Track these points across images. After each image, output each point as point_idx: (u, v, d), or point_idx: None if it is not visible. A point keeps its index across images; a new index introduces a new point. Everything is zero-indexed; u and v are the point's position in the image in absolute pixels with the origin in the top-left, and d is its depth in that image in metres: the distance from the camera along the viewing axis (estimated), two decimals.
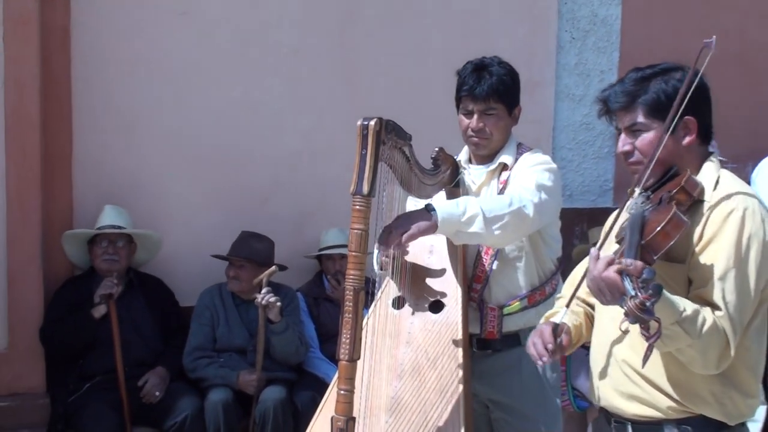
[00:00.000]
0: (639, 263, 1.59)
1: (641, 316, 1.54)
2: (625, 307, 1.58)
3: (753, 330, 1.83)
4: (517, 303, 2.62)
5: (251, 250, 3.86)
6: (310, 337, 3.96)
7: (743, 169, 4.43)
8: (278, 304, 3.61)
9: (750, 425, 3.81)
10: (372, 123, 2.08)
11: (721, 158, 4.03)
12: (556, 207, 2.59)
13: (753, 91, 5.05)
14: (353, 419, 2.06)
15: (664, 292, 1.65)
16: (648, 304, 1.52)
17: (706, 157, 1.94)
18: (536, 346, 1.92)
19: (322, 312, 4.02)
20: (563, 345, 1.94)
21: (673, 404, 1.85)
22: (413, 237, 2.20)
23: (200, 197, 4.17)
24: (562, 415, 2.85)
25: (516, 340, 2.64)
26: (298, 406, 3.65)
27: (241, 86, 4.17)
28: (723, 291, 1.75)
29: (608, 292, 1.65)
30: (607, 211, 4.46)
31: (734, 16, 5.10)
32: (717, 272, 1.76)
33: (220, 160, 4.17)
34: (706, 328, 1.71)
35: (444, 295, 2.52)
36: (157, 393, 3.66)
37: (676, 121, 1.83)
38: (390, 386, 2.42)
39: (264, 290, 3.58)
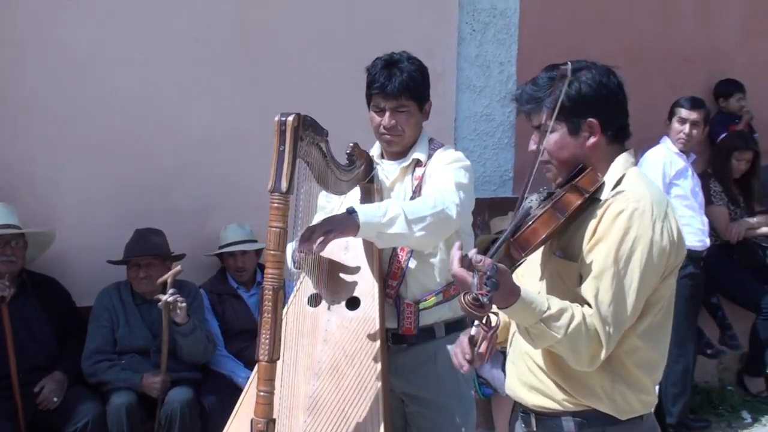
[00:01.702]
0: (487, 260, 1.62)
1: (472, 311, 1.59)
2: (460, 303, 1.62)
3: (643, 329, 1.85)
4: (433, 298, 2.63)
5: (154, 246, 3.73)
6: (215, 335, 3.86)
7: (635, 158, 4.62)
8: (183, 305, 3.49)
9: None
10: (290, 119, 2.03)
11: None
12: (472, 204, 2.61)
13: (641, 82, 5.24)
14: (273, 421, 2.02)
15: (525, 292, 1.70)
16: (484, 299, 1.56)
17: (617, 154, 1.95)
18: (457, 356, 1.92)
19: (227, 308, 3.92)
20: (480, 353, 1.94)
21: (567, 397, 1.90)
22: (335, 237, 2.17)
23: (95, 191, 3.98)
24: None
25: (431, 333, 2.66)
26: (205, 406, 3.56)
27: (138, 75, 4.00)
28: (597, 289, 1.78)
29: (460, 287, 1.68)
30: (507, 201, 4.63)
31: (625, 10, 5.29)
32: (595, 270, 1.79)
33: (117, 151, 3.99)
34: (573, 326, 1.74)
35: (361, 291, 2.50)
36: (55, 399, 3.49)
37: (576, 122, 1.88)
38: (308, 385, 2.38)
39: (170, 291, 3.45)
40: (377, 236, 2.28)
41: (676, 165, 4.43)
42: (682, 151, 4.47)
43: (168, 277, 3.46)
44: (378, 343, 2.43)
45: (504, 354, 4.31)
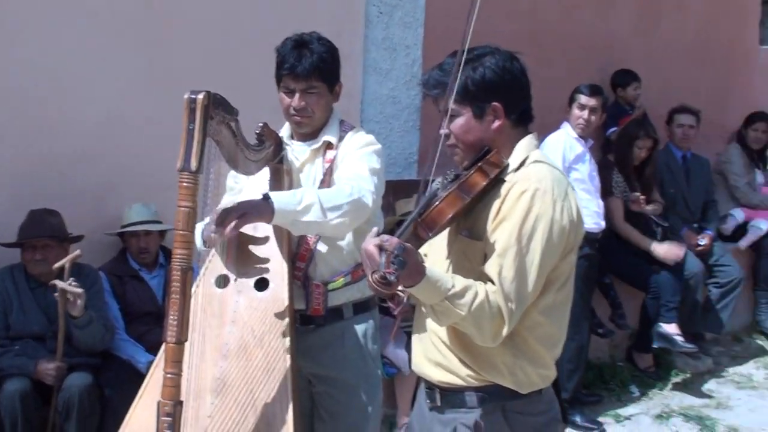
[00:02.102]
0: (395, 240, 1.65)
1: (380, 289, 1.61)
2: (368, 281, 1.65)
3: (544, 306, 1.92)
4: (342, 279, 2.64)
5: (50, 227, 3.58)
6: (115, 318, 3.75)
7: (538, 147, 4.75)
8: (80, 301, 3.35)
9: None
10: (200, 97, 2.00)
11: None
12: (383, 188, 2.63)
13: (542, 68, 5.38)
14: (181, 403, 2.00)
15: (430, 271, 1.73)
16: (391, 278, 1.59)
17: (521, 137, 2.00)
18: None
19: (128, 290, 3.82)
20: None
21: (471, 373, 1.95)
22: (249, 222, 2.16)
23: None
24: None
25: (339, 314, 2.68)
26: (105, 391, 3.45)
27: (37, 50, 3.81)
28: (501, 267, 1.83)
29: (368, 264, 1.70)
30: (412, 184, 4.67)
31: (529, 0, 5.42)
32: (498, 248, 1.84)
33: (10, 129, 3.80)
34: (476, 303, 1.78)
35: (269, 272, 2.48)
36: None
37: (480, 106, 1.92)
38: (216, 367, 2.36)
39: (69, 280, 3.32)
40: (292, 223, 2.28)
41: (575, 150, 4.58)
42: (580, 136, 4.62)
43: (65, 262, 3.33)
44: (287, 323, 2.43)
45: (407, 334, 4.40)
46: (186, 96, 2.00)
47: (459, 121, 1.95)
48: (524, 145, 1.99)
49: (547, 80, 5.27)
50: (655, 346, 4.97)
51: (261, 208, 2.20)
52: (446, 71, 1.96)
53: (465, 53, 1.97)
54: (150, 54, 4.06)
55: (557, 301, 1.96)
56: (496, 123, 1.96)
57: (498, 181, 1.91)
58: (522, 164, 1.94)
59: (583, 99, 4.59)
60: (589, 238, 4.55)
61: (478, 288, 1.81)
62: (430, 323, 2.01)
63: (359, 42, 4.77)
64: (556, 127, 4.72)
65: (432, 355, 2.02)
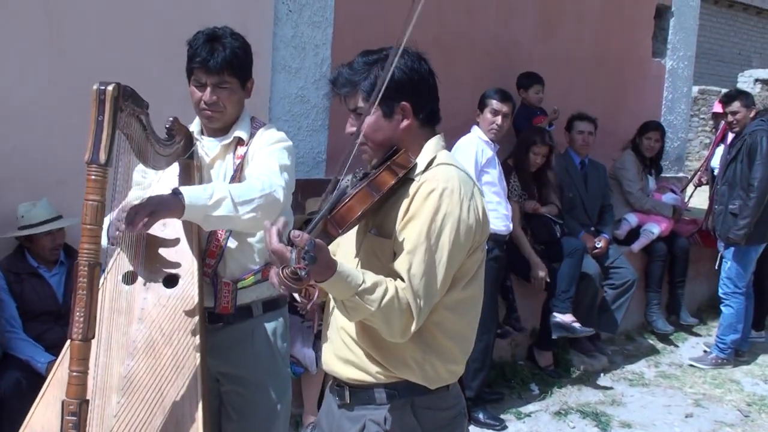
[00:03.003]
0: (305, 235, 1.66)
1: (290, 284, 1.62)
2: (278, 278, 1.65)
3: (451, 302, 1.96)
4: (252, 277, 2.63)
5: None
6: (11, 317, 3.58)
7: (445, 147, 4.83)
8: None
9: None
10: (110, 88, 1.95)
11: None
12: (294, 185, 2.63)
13: (448, 72, 5.49)
14: (86, 402, 1.94)
15: (341, 266, 1.75)
16: (301, 273, 1.61)
17: (429, 137, 2.04)
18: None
19: (26, 289, 3.65)
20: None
21: (380, 369, 1.97)
22: (160, 219, 2.11)
23: None
24: None
25: (248, 312, 2.66)
26: (1, 393, 3.31)
27: None
28: (410, 264, 1.86)
29: (278, 262, 1.69)
30: (320, 183, 4.68)
31: (436, 7, 5.50)
32: (408, 246, 1.88)
33: None
34: (386, 299, 1.81)
35: (179, 269, 2.44)
36: None
37: (389, 105, 1.95)
38: (122, 365, 2.30)
39: None
40: (203, 219, 2.24)
41: (486, 154, 4.65)
42: (492, 140, 4.72)
43: None
44: (197, 321, 2.39)
45: (315, 334, 4.39)
46: (95, 87, 1.94)
47: (369, 120, 1.97)
48: (432, 146, 2.03)
49: (452, 85, 5.40)
50: (554, 337, 5.10)
51: (171, 204, 2.15)
52: (356, 70, 1.99)
53: (380, 52, 2.01)
54: (45, 43, 3.90)
55: (464, 297, 2.00)
56: (405, 122, 1.99)
57: (406, 180, 1.94)
58: (430, 164, 1.98)
59: (495, 104, 4.67)
60: (499, 240, 4.67)
61: (388, 284, 1.83)
62: (340, 321, 2.03)
63: (268, 40, 4.73)
64: (461, 130, 4.81)
65: (342, 353, 2.04)
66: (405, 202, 1.92)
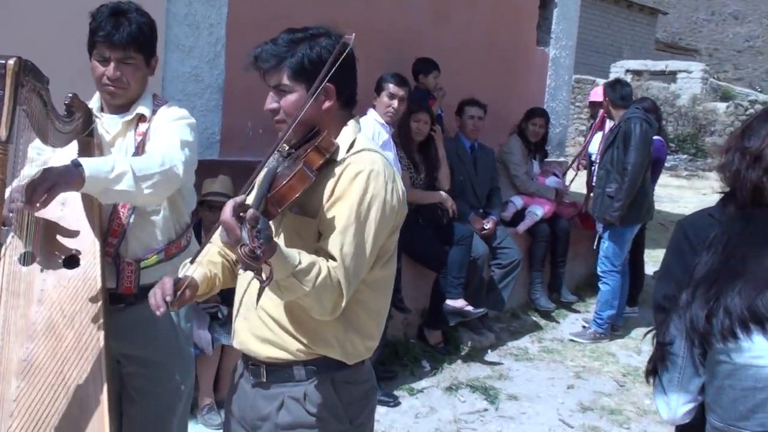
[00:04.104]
0: (255, 213, 1.66)
1: (250, 263, 1.63)
2: (236, 254, 1.67)
3: (374, 280, 2.03)
4: (155, 256, 2.60)
5: None
6: None
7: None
8: None
9: None
10: (10, 62, 1.90)
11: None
12: (196, 162, 2.61)
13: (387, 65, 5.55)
14: None
15: (280, 246, 1.76)
16: (258, 252, 1.61)
17: (347, 120, 2.09)
18: (155, 296, 1.95)
19: None
20: (184, 298, 1.98)
21: (301, 347, 2.01)
22: (60, 192, 2.05)
23: None
24: None
25: None
26: None
27: None
28: (342, 244, 1.90)
29: (228, 236, 1.71)
30: (214, 164, 4.65)
31: None
32: (339, 226, 1.92)
33: None
34: (320, 278, 1.84)
35: (80, 249, 2.39)
36: None
37: (318, 89, 1.94)
38: (21, 349, 2.24)
39: None
40: (103, 192, 2.19)
41: (382, 136, 4.69)
42: (387, 123, 4.79)
43: None
44: (99, 303, 2.35)
45: (210, 315, 4.35)
46: None
47: (291, 98, 1.99)
48: (351, 128, 2.07)
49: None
50: (452, 324, 5.28)
51: (70, 176, 2.08)
52: (280, 45, 1.99)
53: (305, 31, 2.02)
54: None
55: (383, 276, 2.07)
56: (327, 104, 2.02)
57: (329, 161, 1.97)
58: (351, 145, 2.02)
59: (392, 88, 4.74)
60: None
61: (321, 264, 1.86)
62: (258, 299, 2.04)
63: (161, 17, 4.61)
64: (357, 112, 4.85)
65: (259, 332, 2.05)
66: (330, 183, 1.95)
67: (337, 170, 1.97)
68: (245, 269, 1.70)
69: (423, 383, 4.92)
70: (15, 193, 2.26)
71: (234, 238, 1.68)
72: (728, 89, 23.79)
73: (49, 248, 2.35)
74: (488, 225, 5.76)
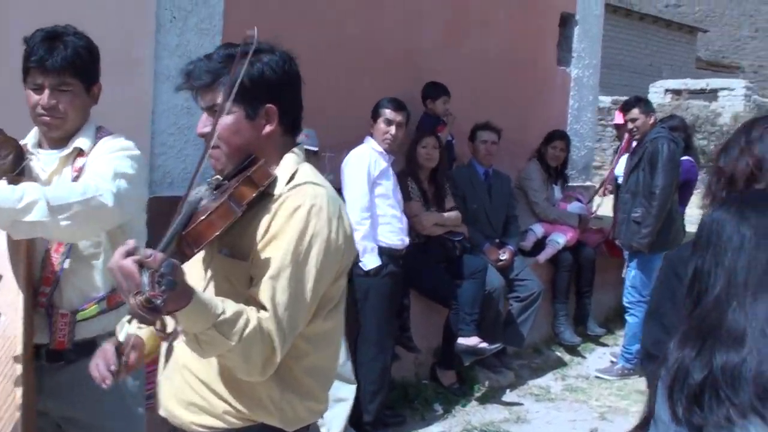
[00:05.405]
0: (159, 255, 1.43)
1: (144, 315, 1.39)
2: (129, 307, 1.42)
3: (312, 334, 1.77)
4: (95, 306, 2.35)
5: None
6: None
7: (339, 157, 4.64)
8: None
9: (339, 406, 4.02)
10: None
11: (307, 147, 4.10)
12: (139, 197, 2.37)
13: (349, 81, 5.32)
14: None
15: (197, 293, 1.52)
16: (157, 301, 1.38)
17: (290, 148, 1.85)
18: (98, 368, 1.73)
19: None
20: (129, 363, 1.76)
21: (232, 411, 1.75)
22: None
23: None
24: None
25: (92, 348, 2.34)
26: None
27: None
28: (274, 290, 1.65)
29: (125, 285, 1.44)
30: None
31: (333, 8, 5.31)
32: (272, 270, 1.66)
33: None
34: (248, 331, 1.59)
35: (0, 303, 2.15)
36: None
37: (254, 106, 1.75)
38: None
39: None
40: (12, 225, 1.97)
41: (380, 165, 4.51)
42: (386, 151, 4.55)
43: None
44: (20, 363, 2.10)
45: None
46: None
47: (228, 120, 1.76)
48: (293, 157, 1.83)
49: (352, 93, 5.23)
50: (466, 364, 4.96)
51: None
52: (216, 61, 1.77)
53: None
54: None
55: (326, 328, 1.81)
56: (268, 128, 1.79)
57: (265, 195, 1.72)
58: (292, 178, 1.77)
59: (389, 114, 4.54)
60: (394, 255, 4.49)
61: (250, 314, 1.61)
62: (183, 358, 1.78)
63: (150, 48, 4.45)
64: (360, 140, 4.63)
65: (185, 395, 1.79)
66: (265, 220, 1.71)
67: (274, 206, 1.72)
68: (141, 322, 1.45)
69: (433, 428, 4.60)
70: None
71: (132, 284, 1.42)
72: None
73: None
74: (504, 256, 5.43)
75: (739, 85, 21.00)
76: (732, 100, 20.36)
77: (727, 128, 18.71)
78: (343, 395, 4.03)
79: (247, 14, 4.81)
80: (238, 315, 1.59)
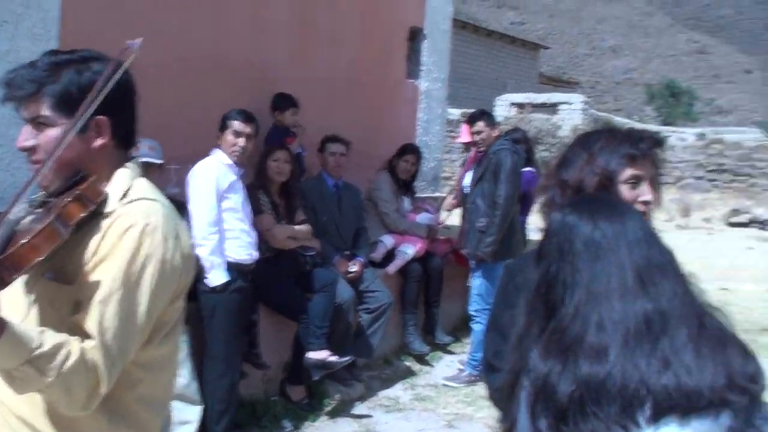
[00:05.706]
0: None
1: None
2: None
3: (148, 360, 1.68)
4: None
5: None
6: None
7: (185, 169, 4.50)
8: None
9: (183, 429, 3.89)
10: None
11: (151, 160, 3.96)
12: None
13: (196, 92, 5.19)
14: None
15: (12, 325, 1.41)
16: None
17: (123, 162, 1.74)
18: None
19: None
20: None
21: None
22: None
23: None
24: None
25: None
26: None
27: None
28: (102, 316, 1.54)
29: None
30: None
31: (180, 20, 5.16)
32: (100, 295, 1.55)
33: None
34: (69, 364, 1.48)
35: None
36: None
37: (86, 119, 1.61)
38: None
39: None
40: None
41: (228, 178, 4.41)
42: (235, 163, 4.46)
43: None
44: None
45: None
46: None
47: (51, 134, 1.63)
48: (127, 173, 1.72)
49: (200, 105, 5.10)
50: (315, 378, 4.90)
51: None
52: (40, 69, 1.63)
53: (73, 53, 1.68)
54: None
55: (161, 354, 1.71)
56: (99, 141, 1.68)
57: (95, 214, 1.61)
58: (125, 195, 1.67)
59: (238, 125, 4.45)
60: (242, 270, 4.40)
61: (72, 345, 1.50)
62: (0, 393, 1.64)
63: None
64: (207, 152, 4.51)
65: None
66: (94, 241, 1.59)
67: (104, 224, 1.61)
68: None
69: None
70: None
71: None
72: (608, 119, 24.58)
73: None
74: (354, 268, 5.45)
75: (577, 99, 22.21)
76: (571, 113, 21.49)
77: (567, 140, 19.74)
78: (187, 417, 3.90)
79: (87, 21, 4.59)
80: (57, 348, 1.48)
